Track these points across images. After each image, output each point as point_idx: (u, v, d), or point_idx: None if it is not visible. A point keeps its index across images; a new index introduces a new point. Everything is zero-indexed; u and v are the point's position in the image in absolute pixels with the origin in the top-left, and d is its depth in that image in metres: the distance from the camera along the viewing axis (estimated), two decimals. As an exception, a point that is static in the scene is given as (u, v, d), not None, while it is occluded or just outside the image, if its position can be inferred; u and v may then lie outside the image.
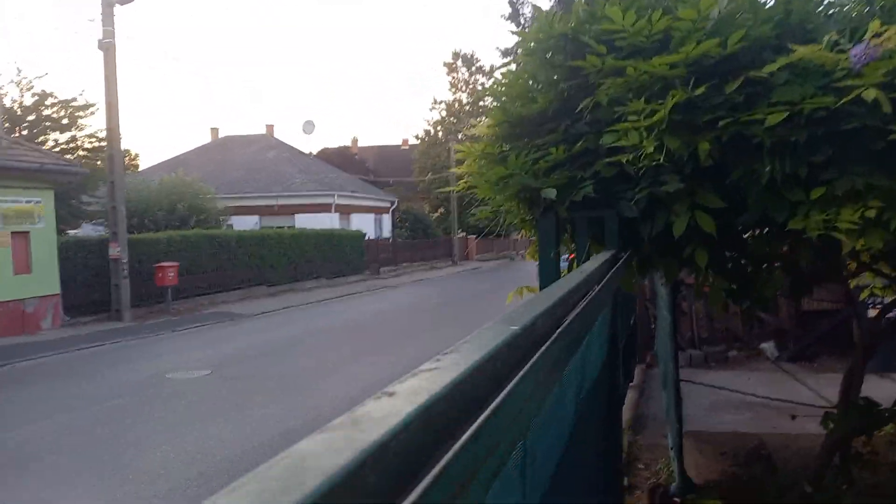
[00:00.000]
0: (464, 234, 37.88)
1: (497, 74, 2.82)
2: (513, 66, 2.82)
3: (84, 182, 20.68)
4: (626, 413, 6.44)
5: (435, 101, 54.30)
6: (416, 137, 43.87)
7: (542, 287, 2.56)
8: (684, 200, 2.37)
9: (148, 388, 9.28)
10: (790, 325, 9.88)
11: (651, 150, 2.26)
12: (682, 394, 5.04)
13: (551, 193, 2.38)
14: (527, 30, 2.72)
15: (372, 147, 50.28)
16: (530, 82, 2.79)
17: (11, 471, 5.98)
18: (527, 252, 3.09)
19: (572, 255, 2.79)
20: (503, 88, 2.83)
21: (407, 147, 47.30)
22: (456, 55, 43.58)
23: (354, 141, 49.85)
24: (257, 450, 6.51)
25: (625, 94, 2.41)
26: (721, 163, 2.31)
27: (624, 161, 2.34)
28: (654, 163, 2.28)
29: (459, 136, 35.07)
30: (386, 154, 48.33)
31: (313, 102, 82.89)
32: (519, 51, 2.80)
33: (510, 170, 2.49)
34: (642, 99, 2.32)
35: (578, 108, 2.55)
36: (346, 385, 9.16)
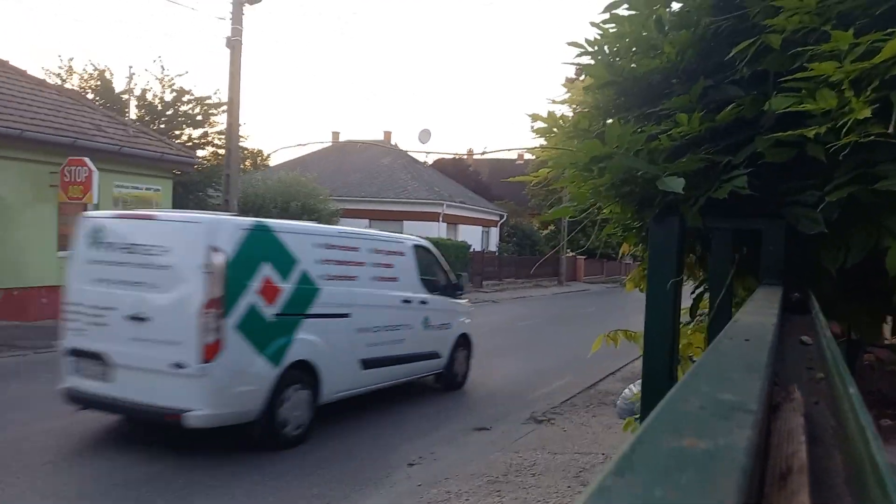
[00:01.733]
0: (573, 253, 36.45)
1: (601, 18, 1.91)
2: (624, 8, 1.89)
3: (210, 175, 21.65)
4: None
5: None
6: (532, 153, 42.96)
7: (647, 336, 1.64)
8: (912, 211, 1.37)
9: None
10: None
11: (866, 114, 1.28)
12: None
13: (676, 185, 1.45)
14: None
15: (487, 160, 49.92)
16: (652, 26, 1.87)
17: (64, 458, 5.71)
18: (627, 278, 2.14)
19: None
20: (610, 37, 1.93)
21: (522, 162, 46.48)
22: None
23: (470, 152, 49.68)
24: (315, 468, 5.89)
25: (816, 25, 1.44)
26: None
27: (811, 136, 1.37)
28: (867, 138, 1.30)
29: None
30: (500, 168, 47.74)
31: (431, 112, 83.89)
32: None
33: (609, 147, 1.59)
34: (850, 30, 1.35)
35: (729, 55, 1.61)
36: (424, 404, 8.43)
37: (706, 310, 1.78)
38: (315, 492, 5.42)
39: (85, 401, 6.05)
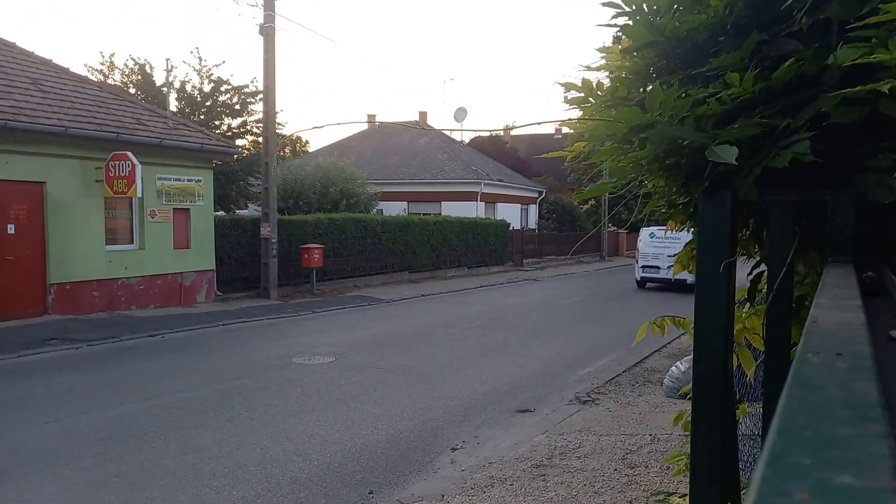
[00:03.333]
0: (615, 228, 35.79)
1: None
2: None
3: (250, 164, 21.89)
4: None
5: (593, 88, 51.87)
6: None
7: (699, 323, 1.49)
8: None
9: (272, 370, 9.14)
10: None
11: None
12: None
13: (729, 154, 1.29)
14: None
15: (524, 136, 49.31)
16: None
17: (114, 447, 5.87)
18: (676, 258, 1.98)
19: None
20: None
21: (560, 136, 45.69)
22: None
23: (507, 129, 49.19)
24: (359, 454, 5.91)
25: (889, -38, 1.25)
26: None
27: (884, 91, 1.19)
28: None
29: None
30: (538, 143, 47.06)
31: (468, 90, 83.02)
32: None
33: (651, 115, 1.43)
34: (933, -36, 1.16)
35: (786, 5, 1.42)
36: (467, 385, 8.38)
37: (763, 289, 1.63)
38: (358, 478, 5.42)
39: (645, 281, 20.06)
